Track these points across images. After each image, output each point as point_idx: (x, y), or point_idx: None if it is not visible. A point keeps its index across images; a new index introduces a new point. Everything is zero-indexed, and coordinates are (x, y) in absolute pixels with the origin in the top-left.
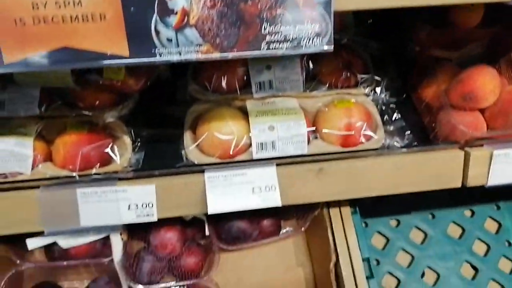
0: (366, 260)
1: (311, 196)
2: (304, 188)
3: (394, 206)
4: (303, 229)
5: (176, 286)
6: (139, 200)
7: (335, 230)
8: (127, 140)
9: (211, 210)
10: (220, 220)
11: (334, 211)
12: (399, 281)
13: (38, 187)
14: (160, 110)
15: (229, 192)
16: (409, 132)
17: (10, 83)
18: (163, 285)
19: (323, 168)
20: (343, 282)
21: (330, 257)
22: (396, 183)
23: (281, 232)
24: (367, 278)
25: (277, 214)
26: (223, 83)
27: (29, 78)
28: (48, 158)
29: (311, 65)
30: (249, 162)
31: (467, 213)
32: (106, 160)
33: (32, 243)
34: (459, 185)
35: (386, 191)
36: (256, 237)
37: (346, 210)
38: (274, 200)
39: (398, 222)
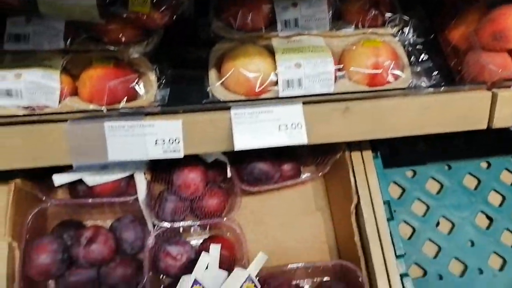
0: (387, 203)
1: (336, 135)
2: (330, 127)
3: (411, 157)
4: (322, 174)
5: (199, 225)
6: (165, 136)
7: (357, 173)
8: (152, 76)
9: (237, 147)
10: (242, 162)
11: (355, 155)
12: (414, 229)
13: (65, 121)
14: (183, 50)
15: (255, 129)
16: (436, 73)
17: (35, 16)
18: (186, 223)
19: (349, 107)
20: (364, 224)
21: (351, 200)
22: (422, 123)
23: (301, 176)
24: (388, 220)
25: (297, 160)
26: (248, 21)
27: (53, 11)
28: (74, 92)
29: (338, 3)
30: (275, 99)
31: (483, 164)
32: (132, 95)
33: (58, 179)
34: (484, 126)
35: (411, 131)
36: (277, 180)
37: (368, 154)
38: (300, 137)
39: (414, 172)
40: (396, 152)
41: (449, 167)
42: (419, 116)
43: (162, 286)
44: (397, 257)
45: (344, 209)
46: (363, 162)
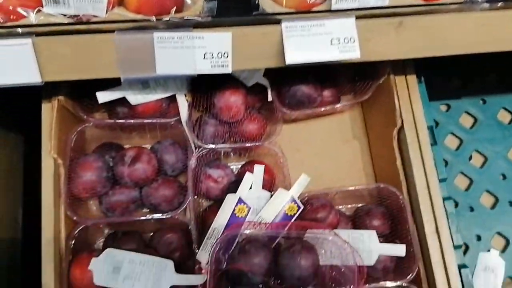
0: (430, 128)
1: (389, 52)
2: (382, 43)
3: (445, 92)
4: (362, 100)
5: (240, 148)
6: (214, 49)
7: (401, 97)
8: None
9: (288, 61)
10: (284, 86)
11: (400, 79)
12: (446, 163)
13: (113, 31)
14: None
15: (307, 43)
16: None
17: None
18: (227, 145)
19: (403, 22)
20: (407, 149)
21: (393, 125)
22: (477, 41)
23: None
24: (431, 145)
25: (336, 87)
26: None
27: None
28: (122, 3)
29: None
30: (328, 12)
31: None
32: (180, 7)
33: (102, 96)
34: None
35: (466, 49)
36: (318, 105)
37: (412, 79)
38: (352, 52)
39: (449, 107)
40: (431, 86)
41: (484, 102)
42: (475, 33)
43: (205, 207)
44: (440, 181)
45: (385, 135)
46: (407, 86)
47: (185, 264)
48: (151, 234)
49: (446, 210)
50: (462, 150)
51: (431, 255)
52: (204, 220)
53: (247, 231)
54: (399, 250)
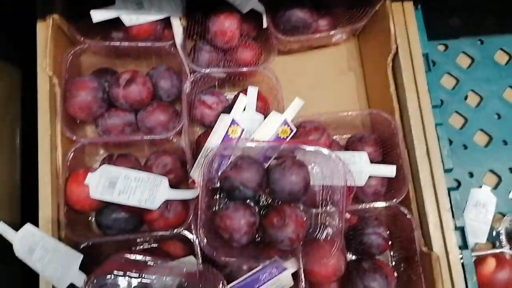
0: (425, 56)
1: None
2: None
3: (443, 31)
4: (357, 30)
5: (234, 73)
6: None
7: (396, 23)
8: None
9: None
10: (279, 11)
11: (396, 5)
12: (442, 102)
13: None
14: None
15: None
16: None
17: None
18: (222, 69)
19: None
20: (401, 75)
21: (388, 52)
22: None
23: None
24: (426, 72)
25: (332, 16)
26: None
27: None
28: None
29: None
30: None
31: None
32: None
33: (96, 15)
34: None
35: None
36: (314, 32)
37: (409, 5)
38: None
39: (446, 47)
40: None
41: (482, 42)
42: None
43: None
44: (433, 107)
45: (380, 63)
46: (403, 12)
47: (179, 186)
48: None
49: (438, 135)
50: (458, 90)
51: (421, 178)
52: (198, 145)
53: (241, 146)
54: (389, 170)
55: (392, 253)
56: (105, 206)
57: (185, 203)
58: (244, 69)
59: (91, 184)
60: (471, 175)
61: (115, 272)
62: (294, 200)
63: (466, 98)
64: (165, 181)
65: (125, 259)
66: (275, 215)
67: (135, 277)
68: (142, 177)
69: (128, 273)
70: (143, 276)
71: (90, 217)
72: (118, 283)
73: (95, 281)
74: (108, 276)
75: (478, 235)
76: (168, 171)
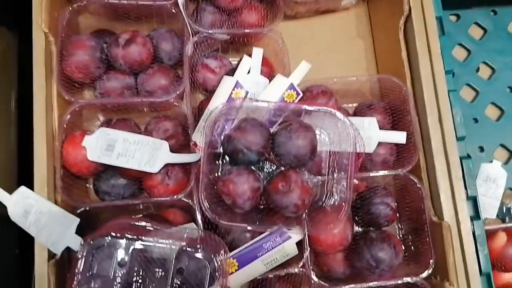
0: (439, 19)
1: None
2: None
3: (455, 1)
4: None
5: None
6: None
7: None
8: None
9: None
10: None
11: None
12: (453, 74)
13: None
14: None
15: None
16: None
17: None
18: (225, 31)
19: None
20: (414, 39)
21: (400, 14)
22: None
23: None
24: (439, 36)
25: None
26: None
27: None
28: None
29: None
30: None
31: None
32: None
33: None
34: None
35: None
36: None
37: None
38: None
39: (458, 17)
40: None
41: (495, 13)
42: None
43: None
44: (447, 72)
45: (391, 27)
46: None
47: (181, 152)
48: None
49: (450, 102)
50: (470, 61)
51: (433, 146)
52: (201, 111)
53: (245, 107)
54: (399, 137)
55: (399, 225)
56: (103, 171)
57: (186, 170)
58: (249, 30)
59: (89, 146)
60: (481, 149)
61: (113, 233)
62: (300, 165)
63: (477, 70)
64: (165, 144)
65: (124, 223)
66: (280, 180)
67: (133, 240)
68: (141, 140)
69: (126, 235)
70: (141, 239)
71: (87, 184)
72: (116, 245)
73: (91, 242)
74: (106, 238)
75: (488, 210)
76: (169, 137)
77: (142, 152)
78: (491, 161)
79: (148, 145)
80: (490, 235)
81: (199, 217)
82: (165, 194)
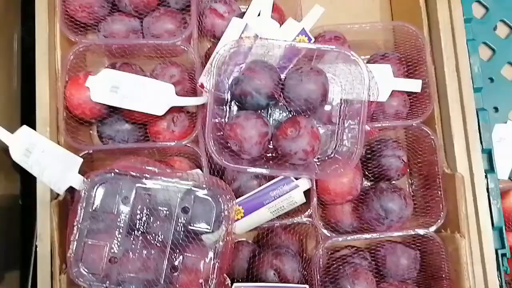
0: None
1: None
2: None
3: None
4: None
5: None
6: None
7: None
8: None
9: None
10: None
11: None
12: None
13: None
14: None
15: None
16: None
17: None
18: None
19: None
20: None
21: None
22: None
23: None
24: None
25: None
26: None
27: None
28: None
29: None
30: None
31: None
32: None
33: None
34: None
35: None
36: None
37: None
38: None
39: None
40: None
41: None
42: None
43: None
44: (466, 20)
45: None
46: None
47: None
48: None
49: (468, 50)
50: (487, 19)
51: (449, 96)
52: (208, 58)
53: (254, 48)
54: (414, 85)
55: (409, 180)
56: (107, 116)
57: (191, 118)
58: None
59: (92, 86)
60: (496, 110)
61: (117, 170)
62: (311, 110)
63: (495, 28)
64: (171, 87)
65: (129, 164)
66: (290, 126)
67: (138, 177)
68: (147, 82)
69: (131, 172)
70: (146, 177)
71: (91, 130)
72: (120, 182)
73: (95, 178)
74: (110, 174)
75: (500, 171)
76: (175, 83)
77: (147, 95)
78: (505, 122)
79: (154, 88)
80: (503, 194)
81: (205, 163)
82: (170, 141)
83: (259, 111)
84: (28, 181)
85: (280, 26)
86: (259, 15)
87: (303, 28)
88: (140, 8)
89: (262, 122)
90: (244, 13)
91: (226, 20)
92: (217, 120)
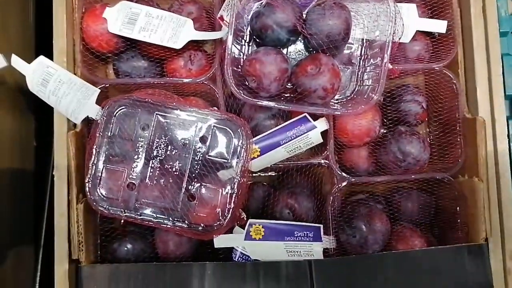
0: None
1: None
2: None
3: None
4: None
5: None
6: None
7: None
8: None
9: None
10: None
11: None
12: None
13: None
14: None
15: None
16: None
17: None
18: None
19: None
20: None
21: None
22: None
23: None
24: None
25: None
26: None
27: None
28: None
29: None
30: None
31: None
32: None
33: None
34: None
35: None
36: None
37: None
38: None
39: None
40: None
41: None
42: None
43: None
44: None
45: None
46: None
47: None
48: None
49: None
50: None
51: (474, 39)
52: None
53: None
54: (440, 25)
55: (428, 128)
56: (123, 51)
57: (209, 57)
58: None
59: (109, 17)
60: None
61: (135, 97)
62: (332, 47)
63: None
64: (189, 22)
65: (147, 93)
66: (310, 63)
67: (157, 105)
68: (165, 15)
69: (150, 100)
70: (165, 105)
71: (107, 68)
72: (139, 109)
73: (113, 103)
74: (129, 100)
75: None
76: (193, 20)
77: (165, 28)
78: None
79: (172, 21)
80: None
81: (222, 101)
82: (187, 79)
83: (279, 47)
84: (42, 121)
85: None
86: None
87: None
88: None
89: (282, 58)
90: None
91: None
92: (235, 55)
